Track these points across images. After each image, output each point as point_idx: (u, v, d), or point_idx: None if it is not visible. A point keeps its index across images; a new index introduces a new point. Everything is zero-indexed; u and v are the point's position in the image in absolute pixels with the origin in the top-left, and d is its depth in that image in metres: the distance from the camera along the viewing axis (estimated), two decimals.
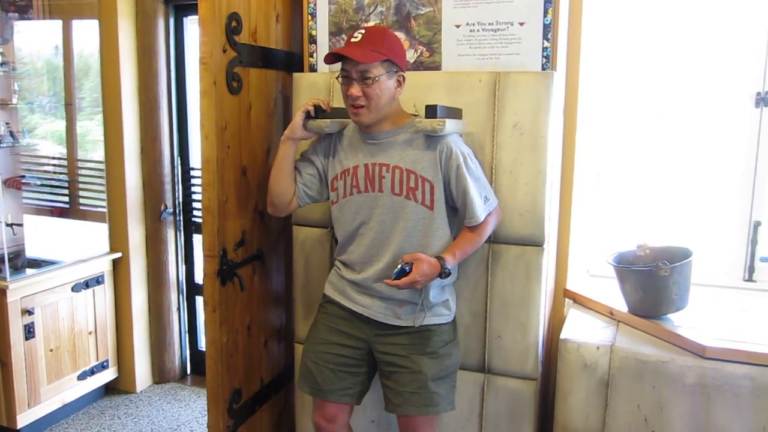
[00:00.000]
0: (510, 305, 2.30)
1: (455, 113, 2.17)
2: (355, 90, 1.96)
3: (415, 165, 2.03)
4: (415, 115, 2.11)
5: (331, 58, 1.98)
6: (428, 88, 2.30)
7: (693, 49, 2.60)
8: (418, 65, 2.40)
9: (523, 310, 2.29)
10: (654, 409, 2.16)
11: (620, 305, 2.43)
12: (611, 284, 2.49)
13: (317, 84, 2.45)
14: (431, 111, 2.00)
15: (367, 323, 2.15)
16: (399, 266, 1.97)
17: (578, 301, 2.62)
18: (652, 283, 2.28)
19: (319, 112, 2.13)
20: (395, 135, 2.07)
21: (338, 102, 2.21)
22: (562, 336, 2.31)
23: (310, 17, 2.52)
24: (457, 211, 2.10)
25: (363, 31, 1.98)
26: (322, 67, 2.51)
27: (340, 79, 2.02)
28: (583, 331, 2.35)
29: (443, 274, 2.00)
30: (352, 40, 1.97)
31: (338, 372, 2.18)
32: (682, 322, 2.29)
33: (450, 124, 2.02)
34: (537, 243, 2.25)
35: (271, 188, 2.20)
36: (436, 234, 2.06)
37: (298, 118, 2.13)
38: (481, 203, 2.04)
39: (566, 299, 2.69)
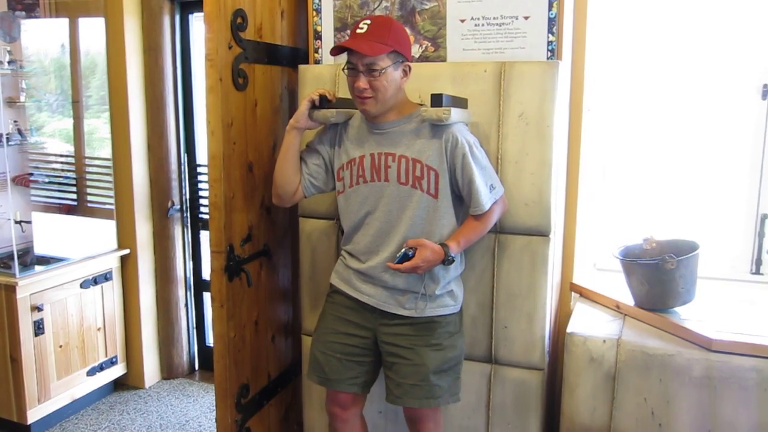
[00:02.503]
0: (516, 296, 2.30)
1: (461, 102, 2.16)
2: (362, 82, 1.96)
3: (421, 154, 2.03)
4: (421, 105, 2.09)
5: (337, 50, 1.98)
6: (434, 78, 2.30)
7: (699, 41, 2.60)
8: (423, 60, 2.40)
9: (529, 301, 2.29)
10: (661, 402, 2.16)
11: (627, 299, 2.43)
12: (618, 278, 2.49)
13: (323, 76, 2.45)
14: (437, 100, 1.99)
15: (373, 312, 2.16)
16: (402, 251, 1.99)
17: (585, 294, 2.62)
18: (658, 277, 2.28)
19: (324, 102, 2.13)
20: (401, 125, 2.06)
21: (344, 93, 2.22)
22: (569, 329, 2.31)
23: (314, 13, 2.53)
24: (462, 200, 2.11)
25: (369, 21, 1.97)
26: (328, 62, 2.51)
27: (346, 71, 2.02)
28: (589, 324, 2.35)
29: (447, 261, 2.02)
30: (358, 30, 1.96)
31: (345, 361, 2.19)
32: (688, 315, 2.28)
33: (455, 113, 2.01)
34: (543, 233, 2.25)
35: (276, 178, 2.21)
36: (441, 222, 2.07)
37: (303, 107, 2.13)
38: (486, 192, 2.04)
39: (572, 293, 2.69)
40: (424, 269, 2.01)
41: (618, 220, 2.81)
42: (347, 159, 2.14)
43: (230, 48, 2.22)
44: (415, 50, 2.40)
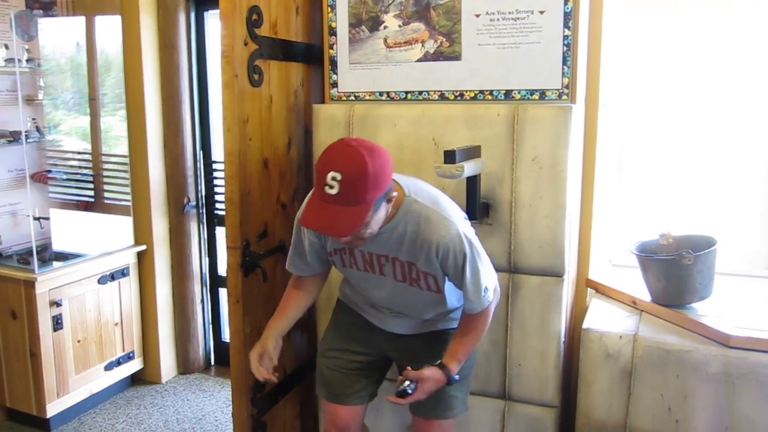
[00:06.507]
0: (530, 334, 2.33)
1: (474, 152, 2.18)
2: (341, 239, 1.74)
3: (414, 258, 1.86)
4: (405, 195, 1.83)
5: (308, 222, 1.71)
6: (446, 121, 2.33)
7: (715, 36, 2.57)
8: (438, 55, 2.40)
9: (542, 339, 2.31)
10: (678, 398, 2.15)
11: (643, 294, 2.41)
12: (634, 274, 2.48)
13: (336, 117, 2.48)
14: (450, 157, 2.00)
15: (382, 332, 2.12)
16: (403, 386, 1.86)
17: (600, 290, 2.61)
18: (675, 272, 2.26)
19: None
20: (388, 232, 1.82)
21: (357, 132, 2.26)
22: (585, 325, 2.30)
23: (329, 9, 2.53)
24: None
25: (338, 175, 1.59)
26: (342, 59, 2.52)
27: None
28: (605, 320, 2.34)
29: (451, 383, 1.92)
30: (327, 190, 1.61)
31: (351, 375, 2.15)
32: (706, 311, 2.27)
33: (469, 168, 2.03)
34: (557, 274, 2.28)
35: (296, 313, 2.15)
36: (450, 300, 1.98)
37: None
38: (480, 294, 1.87)
39: (588, 289, 2.68)
40: (427, 395, 1.91)
41: (634, 216, 2.79)
42: (334, 247, 1.96)
43: (245, 45, 2.23)
44: (430, 46, 2.40)
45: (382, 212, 1.71)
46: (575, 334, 2.59)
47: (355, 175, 1.59)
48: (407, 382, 1.87)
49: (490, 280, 1.90)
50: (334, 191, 1.60)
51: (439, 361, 1.93)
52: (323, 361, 2.21)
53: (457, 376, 1.93)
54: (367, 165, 1.60)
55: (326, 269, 2.12)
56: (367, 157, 1.61)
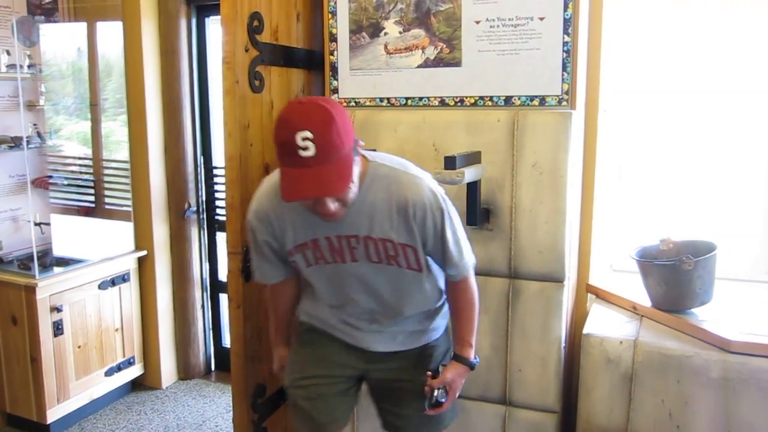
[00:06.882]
0: (530, 339, 2.33)
1: (474, 158, 2.18)
2: (331, 207, 1.58)
3: (389, 233, 1.70)
4: (369, 159, 1.73)
5: (293, 196, 1.53)
6: (446, 127, 2.33)
7: (715, 41, 2.58)
8: (438, 62, 2.41)
9: (543, 345, 2.31)
10: (678, 403, 2.15)
11: (643, 300, 2.41)
12: (634, 279, 2.48)
13: None
14: (450, 162, 2.00)
15: (362, 352, 1.92)
16: (435, 396, 1.82)
17: (601, 295, 2.61)
18: (675, 278, 2.26)
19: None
20: (360, 202, 1.66)
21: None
22: (585, 330, 2.30)
23: (330, 15, 2.54)
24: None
25: (308, 134, 1.46)
26: (343, 66, 2.53)
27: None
28: (606, 325, 2.34)
29: (474, 367, 1.88)
30: (303, 153, 1.46)
31: (333, 399, 1.96)
32: (706, 316, 2.27)
33: (469, 174, 2.03)
34: (557, 279, 2.28)
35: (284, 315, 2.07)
36: (432, 281, 1.85)
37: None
38: (463, 255, 1.79)
39: (589, 294, 2.68)
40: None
41: (634, 221, 2.79)
42: (294, 244, 1.76)
43: (247, 51, 2.24)
44: (430, 52, 2.41)
45: (357, 166, 1.59)
46: (576, 339, 2.59)
47: (325, 128, 1.48)
48: (437, 391, 1.83)
49: (466, 239, 1.81)
50: (310, 152, 1.46)
51: (453, 354, 1.88)
52: (298, 393, 1.97)
53: (476, 359, 1.87)
54: (331, 113, 1.50)
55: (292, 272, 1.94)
56: (327, 106, 1.51)
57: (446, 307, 1.98)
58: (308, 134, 1.46)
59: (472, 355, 1.87)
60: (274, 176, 1.73)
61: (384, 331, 1.89)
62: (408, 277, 1.78)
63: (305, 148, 1.46)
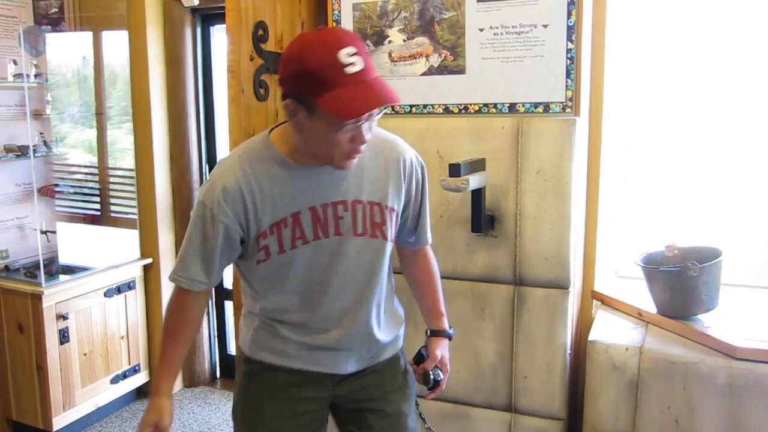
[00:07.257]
0: (536, 346, 2.33)
1: (478, 165, 2.19)
2: (368, 133, 1.46)
3: (379, 193, 1.60)
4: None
5: (368, 109, 1.38)
6: (451, 134, 2.34)
7: (719, 47, 2.58)
8: (442, 69, 2.42)
9: (548, 352, 2.32)
10: (685, 410, 2.14)
11: (649, 306, 2.41)
12: (640, 285, 2.48)
13: None
14: (455, 170, 2.01)
15: (329, 376, 1.70)
16: (432, 376, 1.75)
17: (606, 302, 2.61)
18: (681, 284, 2.26)
19: None
20: None
21: None
22: (591, 337, 2.30)
23: (334, 24, 2.55)
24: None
25: (351, 49, 1.36)
26: None
27: (346, 128, 1.40)
28: (611, 332, 2.34)
29: (451, 337, 1.83)
30: (351, 69, 1.35)
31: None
32: (712, 322, 2.26)
33: (474, 181, 2.04)
34: (562, 286, 2.28)
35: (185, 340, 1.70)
36: (388, 259, 1.70)
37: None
38: (427, 221, 1.76)
39: (594, 301, 2.68)
40: None
41: (639, 227, 2.79)
42: (270, 223, 1.54)
43: (251, 59, 2.25)
44: (434, 59, 2.42)
45: None
46: (581, 346, 2.58)
47: (361, 43, 1.40)
48: (433, 372, 1.75)
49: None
50: (358, 66, 1.36)
51: (427, 330, 1.81)
52: None
53: (451, 329, 1.82)
54: (349, 31, 1.43)
55: (219, 280, 1.68)
56: (341, 25, 1.47)
57: (402, 311, 1.83)
58: (352, 49, 1.36)
59: (446, 325, 1.81)
60: (240, 149, 1.59)
61: (354, 348, 1.70)
62: (384, 252, 1.65)
63: (352, 64, 1.35)
